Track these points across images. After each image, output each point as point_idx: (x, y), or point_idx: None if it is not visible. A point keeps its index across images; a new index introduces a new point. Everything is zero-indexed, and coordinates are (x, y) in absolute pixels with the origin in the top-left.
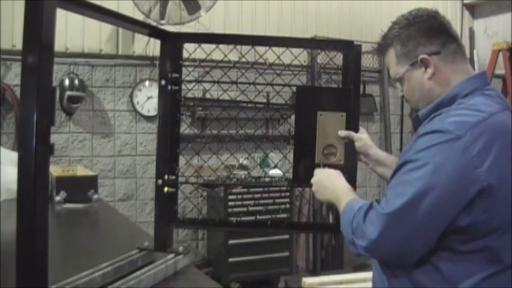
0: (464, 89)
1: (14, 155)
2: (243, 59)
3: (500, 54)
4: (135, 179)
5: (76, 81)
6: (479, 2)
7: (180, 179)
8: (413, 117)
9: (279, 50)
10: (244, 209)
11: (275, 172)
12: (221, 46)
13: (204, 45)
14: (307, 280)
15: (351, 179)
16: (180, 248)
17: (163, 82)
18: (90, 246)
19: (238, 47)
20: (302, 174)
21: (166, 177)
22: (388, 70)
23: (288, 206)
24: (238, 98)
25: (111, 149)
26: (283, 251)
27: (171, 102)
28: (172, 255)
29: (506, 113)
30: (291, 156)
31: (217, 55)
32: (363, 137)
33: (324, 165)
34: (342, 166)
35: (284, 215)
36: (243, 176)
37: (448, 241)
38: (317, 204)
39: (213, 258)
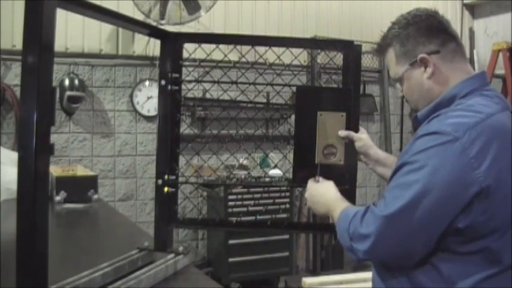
0: (463, 89)
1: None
2: (243, 59)
3: (500, 54)
4: (135, 179)
5: (76, 81)
6: (479, 2)
7: (180, 179)
8: (412, 118)
9: (279, 50)
10: (244, 209)
11: (275, 172)
12: (221, 46)
13: (204, 45)
14: (307, 280)
15: (351, 179)
16: (180, 248)
17: (163, 82)
18: (90, 246)
19: (238, 47)
20: (302, 174)
21: (166, 177)
22: (388, 70)
23: (288, 206)
24: (238, 98)
25: (111, 149)
26: (283, 251)
27: (171, 102)
28: (172, 255)
29: (506, 113)
30: (291, 156)
31: (217, 55)
32: (363, 137)
33: (324, 165)
34: (342, 166)
35: (284, 215)
36: (243, 176)
37: (446, 242)
38: None
39: (213, 258)
